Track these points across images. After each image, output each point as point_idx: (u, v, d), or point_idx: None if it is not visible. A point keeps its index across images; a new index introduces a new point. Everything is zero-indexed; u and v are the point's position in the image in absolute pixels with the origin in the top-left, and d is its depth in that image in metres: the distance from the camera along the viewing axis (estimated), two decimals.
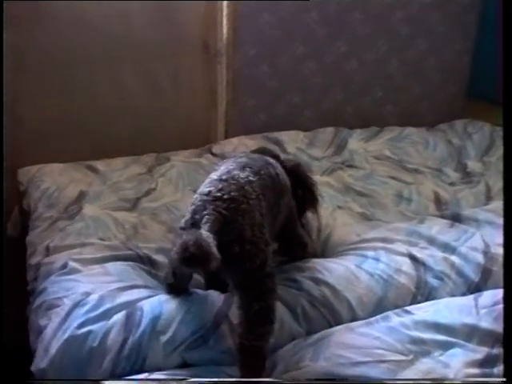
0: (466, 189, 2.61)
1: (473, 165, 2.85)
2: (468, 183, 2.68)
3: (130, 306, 1.76)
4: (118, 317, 1.72)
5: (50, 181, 2.53)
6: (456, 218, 2.31)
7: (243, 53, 2.95)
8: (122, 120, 2.93)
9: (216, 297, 1.80)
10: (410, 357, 1.66)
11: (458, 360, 1.65)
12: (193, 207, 1.64)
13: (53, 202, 2.39)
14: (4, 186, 2.67)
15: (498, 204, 2.43)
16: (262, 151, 2.07)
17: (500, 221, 2.28)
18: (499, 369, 1.64)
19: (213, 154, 2.85)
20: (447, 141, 3.04)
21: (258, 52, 2.98)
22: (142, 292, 1.84)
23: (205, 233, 1.49)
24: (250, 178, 1.70)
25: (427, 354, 1.67)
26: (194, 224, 1.58)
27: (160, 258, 2.05)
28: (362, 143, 3.03)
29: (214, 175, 1.73)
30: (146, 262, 2.04)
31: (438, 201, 2.49)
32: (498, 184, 2.62)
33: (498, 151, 2.95)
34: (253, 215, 1.62)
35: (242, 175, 1.70)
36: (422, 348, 1.69)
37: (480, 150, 2.98)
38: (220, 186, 1.64)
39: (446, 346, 1.70)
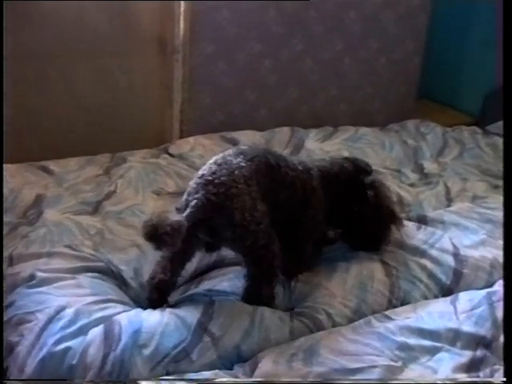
0: (426, 190, 2.64)
1: (429, 165, 2.89)
2: (427, 184, 2.71)
3: (107, 320, 1.69)
4: (97, 332, 1.66)
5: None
6: (422, 220, 2.35)
7: (200, 50, 2.89)
8: (74, 119, 2.82)
9: (193, 309, 1.76)
10: (399, 363, 1.67)
11: (446, 365, 1.67)
12: (189, 189, 1.76)
13: (8, 206, 2.27)
14: None
15: (461, 205, 2.49)
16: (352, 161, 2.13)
17: (465, 222, 2.33)
18: (485, 372, 1.67)
19: (170, 154, 2.78)
20: (402, 141, 3.07)
21: (215, 50, 2.93)
22: (118, 307, 1.78)
23: (176, 217, 1.64)
24: (241, 164, 1.76)
25: (415, 360, 1.69)
26: (187, 205, 1.70)
27: (130, 271, 1.97)
28: (319, 143, 3.02)
29: (212, 159, 1.81)
30: (117, 277, 1.97)
31: (401, 202, 2.51)
32: (456, 185, 2.67)
33: (452, 152, 3.01)
34: (242, 199, 1.70)
35: (235, 161, 1.77)
36: (409, 354, 1.71)
37: (434, 150, 3.03)
38: (213, 169, 1.74)
39: (432, 351, 1.73)
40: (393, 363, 1.65)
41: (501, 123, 3.16)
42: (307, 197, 1.96)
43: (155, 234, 1.59)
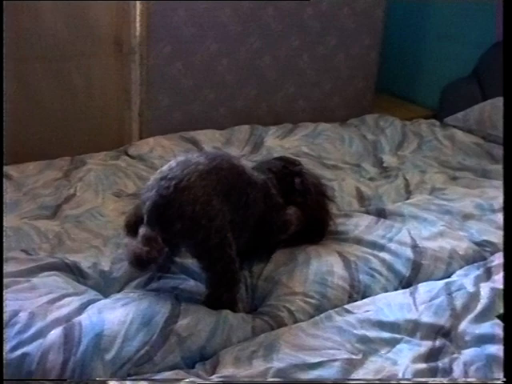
0: (385, 184, 2.67)
1: (389, 159, 2.92)
2: (387, 178, 2.74)
3: (64, 321, 1.67)
4: (55, 335, 1.62)
5: None
6: (381, 214, 2.37)
7: (157, 51, 2.88)
8: (32, 122, 2.78)
9: (159, 308, 1.74)
10: (360, 356, 1.68)
11: (405, 356, 1.69)
12: (149, 182, 1.80)
13: None
14: None
15: (420, 198, 2.52)
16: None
17: (423, 214, 2.36)
18: (444, 361, 1.70)
19: (129, 156, 2.77)
20: (362, 136, 3.10)
21: (172, 50, 2.92)
22: (74, 302, 1.76)
23: (145, 234, 1.68)
24: (200, 161, 1.78)
25: (375, 352, 1.71)
26: (145, 202, 1.75)
27: (87, 262, 1.96)
28: (278, 140, 3.03)
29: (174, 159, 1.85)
30: (73, 270, 1.94)
31: (361, 196, 2.53)
32: (415, 178, 2.70)
33: (411, 145, 3.04)
34: (194, 192, 1.71)
35: (194, 159, 1.80)
36: (369, 346, 1.72)
37: (393, 144, 3.06)
38: (171, 166, 1.78)
39: (392, 343, 1.74)
40: (353, 356, 1.67)
41: (458, 115, 3.21)
42: (270, 199, 2.00)
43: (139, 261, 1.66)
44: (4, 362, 1.57)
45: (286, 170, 2.12)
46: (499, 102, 3.07)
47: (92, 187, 2.49)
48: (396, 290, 2.00)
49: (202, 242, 1.75)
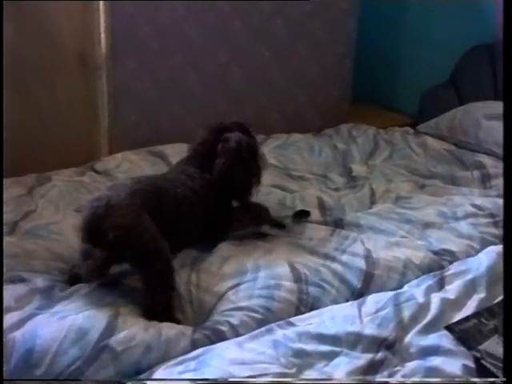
0: (350, 193, 2.64)
1: (358, 169, 2.89)
2: (353, 188, 2.71)
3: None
4: None
5: None
6: (338, 224, 2.35)
7: (122, 66, 2.88)
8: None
9: (96, 322, 1.74)
10: (294, 370, 1.65)
11: (342, 369, 1.66)
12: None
13: None
14: None
15: (381, 207, 2.49)
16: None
17: (382, 224, 2.33)
18: (383, 374, 1.66)
19: (96, 172, 2.77)
20: (333, 146, 3.07)
21: (138, 64, 2.92)
22: (14, 317, 1.75)
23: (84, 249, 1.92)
24: (128, 184, 2.00)
25: (311, 366, 1.68)
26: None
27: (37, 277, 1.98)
28: None
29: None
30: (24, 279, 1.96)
31: (322, 207, 2.50)
32: (381, 187, 2.67)
33: (383, 154, 3.01)
34: (123, 207, 1.88)
35: (120, 183, 2.09)
36: (305, 360, 1.69)
37: (364, 153, 3.03)
38: (103, 190, 2.05)
39: (330, 356, 1.71)
40: (286, 370, 1.64)
41: (430, 122, 3.18)
42: (206, 198, 2.16)
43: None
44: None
45: (211, 138, 2.25)
46: (470, 107, 3.04)
47: (53, 203, 2.48)
48: (347, 301, 1.97)
49: (137, 248, 1.88)
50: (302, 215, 2.44)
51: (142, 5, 2.84)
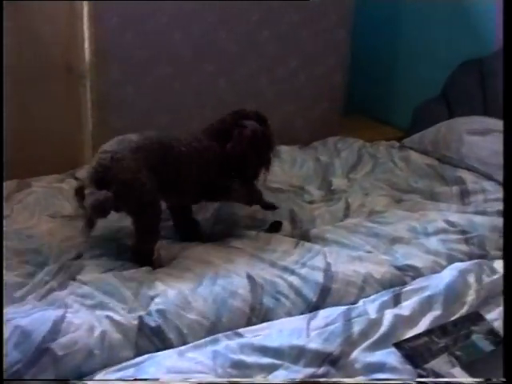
0: (323, 206, 2.63)
1: (338, 182, 2.87)
2: (329, 201, 2.69)
3: None
4: None
5: None
6: (305, 237, 2.35)
7: (107, 74, 2.91)
8: None
9: (40, 323, 1.76)
10: (230, 380, 1.65)
11: (279, 382, 1.65)
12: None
13: None
14: None
15: (351, 220, 2.47)
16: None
17: (348, 237, 2.32)
18: None
19: (76, 179, 2.79)
20: (316, 158, 3.05)
21: (123, 73, 2.94)
22: None
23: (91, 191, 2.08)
24: (133, 139, 2.19)
25: (248, 378, 1.67)
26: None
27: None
28: None
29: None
30: None
31: (293, 220, 2.50)
32: (357, 201, 2.66)
33: (365, 168, 2.99)
34: (126, 162, 2.09)
35: (129, 137, 2.21)
36: (243, 371, 1.69)
37: (347, 166, 3.01)
38: (111, 143, 2.20)
39: (269, 369, 1.71)
40: (221, 380, 1.64)
41: (414, 137, 3.15)
42: (209, 165, 2.33)
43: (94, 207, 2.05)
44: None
45: (230, 119, 2.41)
46: (454, 123, 3.00)
47: (29, 209, 2.51)
48: (302, 314, 1.96)
49: (134, 201, 2.12)
50: (276, 226, 2.45)
51: (126, 13, 2.87)
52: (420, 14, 3.55)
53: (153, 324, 1.84)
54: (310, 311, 1.97)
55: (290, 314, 1.96)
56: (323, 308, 1.97)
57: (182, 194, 2.34)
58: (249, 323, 1.91)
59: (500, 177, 2.65)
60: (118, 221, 2.35)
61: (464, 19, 3.29)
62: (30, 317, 1.80)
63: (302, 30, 3.26)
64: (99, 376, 1.67)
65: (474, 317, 1.96)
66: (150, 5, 2.91)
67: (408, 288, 2.04)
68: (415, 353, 1.79)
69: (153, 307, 1.90)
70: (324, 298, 2.01)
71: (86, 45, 2.85)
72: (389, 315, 1.90)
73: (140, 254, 2.18)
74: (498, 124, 2.83)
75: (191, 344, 1.78)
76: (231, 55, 3.15)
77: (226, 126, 2.39)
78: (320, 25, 3.29)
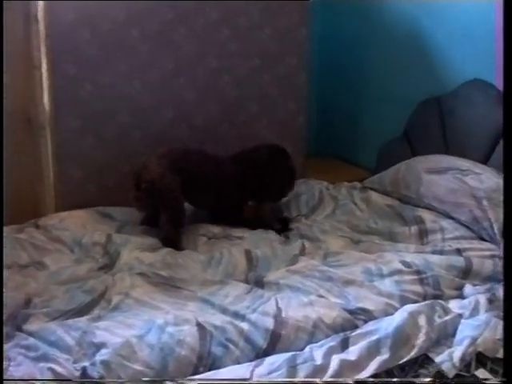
0: (280, 249, 2.63)
1: (298, 225, 2.88)
2: (285, 244, 2.70)
3: None
4: None
5: None
6: (259, 282, 2.34)
7: (66, 125, 2.94)
8: None
9: None
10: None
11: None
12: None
13: None
14: None
15: (304, 264, 2.46)
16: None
17: (301, 282, 2.30)
18: None
19: (37, 227, 2.79)
20: None
21: (82, 123, 2.98)
22: None
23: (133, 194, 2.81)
24: (160, 152, 2.83)
25: None
26: None
27: None
28: None
29: None
30: None
31: (250, 260, 2.51)
32: (313, 243, 2.67)
33: (326, 209, 2.99)
34: (153, 169, 2.73)
35: (160, 151, 2.86)
36: None
37: (307, 208, 3.02)
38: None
39: None
40: None
41: (374, 177, 3.15)
42: (225, 183, 2.89)
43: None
44: None
45: (263, 159, 2.94)
46: (413, 162, 3.01)
47: None
48: (251, 361, 1.94)
49: (164, 198, 2.72)
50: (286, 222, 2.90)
51: (83, 65, 2.92)
52: (380, 55, 3.61)
53: (96, 375, 1.82)
54: (260, 358, 1.95)
55: (238, 362, 1.93)
56: (273, 354, 1.95)
57: (199, 197, 2.90)
58: (195, 372, 1.88)
59: (457, 214, 2.66)
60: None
61: (422, 58, 3.33)
62: None
63: (263, 74, 3.29)
64: None
65: (422, 360, 1.95)
66: (107, 53, 2.96)
67: (357, 332, 2.03)
68: None
69: (97, 357, 1.88)
70: (274, 344, 1.99)
71: (45, 96, 2.87)
72: (335, 361, 1.89)
73: (168, 238, 2.68)
74: (455, 162, 2.86)
75: None
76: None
77: (248, 155, 2.95)
78: (279, 69, 3.33)
